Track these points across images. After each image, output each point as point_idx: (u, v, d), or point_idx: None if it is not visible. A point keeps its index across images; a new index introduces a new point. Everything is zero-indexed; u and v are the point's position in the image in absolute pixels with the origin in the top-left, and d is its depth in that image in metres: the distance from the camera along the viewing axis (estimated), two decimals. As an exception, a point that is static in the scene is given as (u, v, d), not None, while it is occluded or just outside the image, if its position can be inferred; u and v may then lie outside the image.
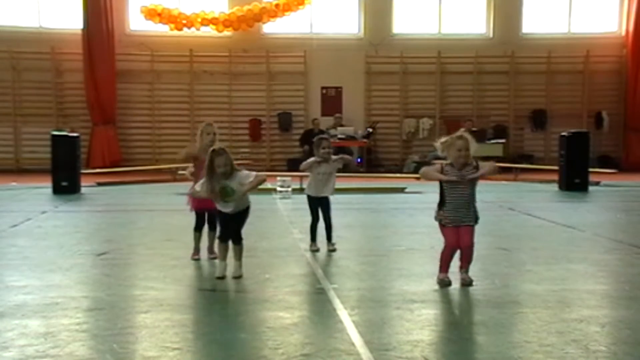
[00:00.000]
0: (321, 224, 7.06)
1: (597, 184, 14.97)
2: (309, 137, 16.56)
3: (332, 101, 21.25)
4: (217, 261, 6.05)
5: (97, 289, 5.48)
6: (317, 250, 6.97)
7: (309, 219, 7.09)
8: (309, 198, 7.06)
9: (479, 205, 5.55)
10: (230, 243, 5.86)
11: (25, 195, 13.05)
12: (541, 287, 5.49)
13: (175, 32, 20.30)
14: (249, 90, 20.82)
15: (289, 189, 12.85)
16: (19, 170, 19.84)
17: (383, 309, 4.85)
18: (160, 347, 3.96)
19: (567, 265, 6.38)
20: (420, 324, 4.44)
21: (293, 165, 16.70)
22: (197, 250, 6.64)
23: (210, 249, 6.61)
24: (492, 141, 19.62)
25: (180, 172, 6.69)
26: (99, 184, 15.16)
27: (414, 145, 21.28)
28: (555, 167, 15.11)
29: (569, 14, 21.69)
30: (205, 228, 6.61)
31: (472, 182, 5.40)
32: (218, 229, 6.06)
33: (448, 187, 5.41)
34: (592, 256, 6.87)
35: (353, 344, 3.98)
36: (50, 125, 18.88)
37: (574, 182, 13.97)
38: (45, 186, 13.61)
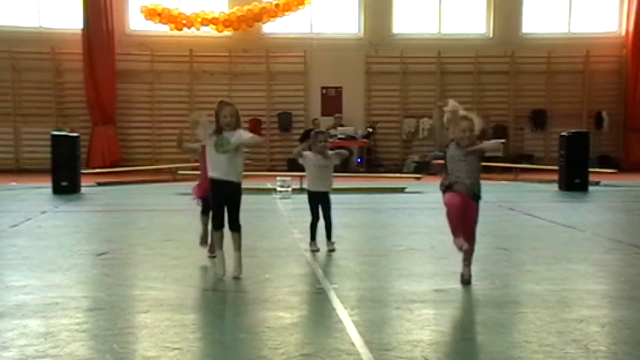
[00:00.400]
0: (321, 223, 7.05)
1: (597, 184, 14.97)
2: (309, 137, 16.56)
3: (332, 101, 21.25)
4: (216, 260, 6.00)
5: (97, 289, 5.48)
6: (317, 250, 6.96)
7: (309, 218, 7.09)
8: (309, 195, 7.06)
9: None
10: (228, 232, 5.83)
11: (25, 195, 13.05)
12: (541, 287, 5.50)
13: (175, 32, 20.30)
14: (249, 90, 20.81)
15: (289, 189, 12.85)
16: (19, 170, 19.83)
17: (383, 309, 4.85)
18: (160, 347, 3.96)
19: (567, 265, 6.38)
20: (420, 324, 4.44)
21: (293, 165, 16.69)
22: (206, 237, 6.61)
23: (211, 247, 6.59)
24: (492, 141, 19.59)
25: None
26: (99, 184, 15.16)
27: (414, 145, 21.28)
28: (555, 167, 15.10)
29: (569, 14, 21.69)
30: (209, 226, 6.56)
31: (474, 158, 5.40)
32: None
33: (450, 163, 5.43)
34: (592, 256, 6.87)
35: (353, 344, 3.98)
36: (50, 125, 18.87)
37: (574, 182, 13.96)
38: (45, 186, 13.61)
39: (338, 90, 21.35)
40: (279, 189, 12.83)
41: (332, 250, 6.96)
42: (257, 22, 20.29)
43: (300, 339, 4.17)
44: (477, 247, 5.57)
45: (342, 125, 20.20)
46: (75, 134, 14.10)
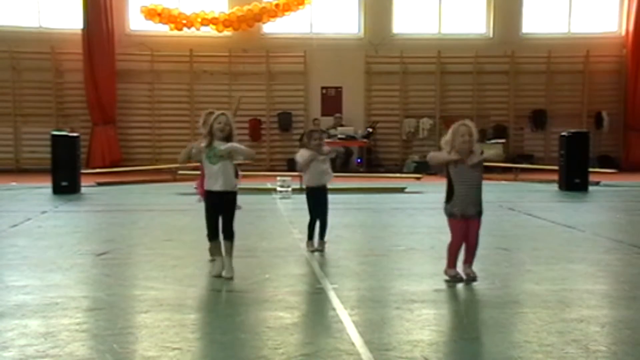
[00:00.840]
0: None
1: (597, 184, 14.97)
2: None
3: (332, 101, 21.25)
4: (218, 269, 5.96)
5: (97, 289, 5.48)
6: (314, 250, 6.97)
7: (309, 218, 7.08)
8: (308, 191, 7.05)
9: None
10: (221, 240, 5.82)
11: (25, 195, 13.05)
12: (541, 287, 5.49)
13: (175, 32, 20.31)
14: (249, 90, 20.81)
15: (289, 189, 12.85)
16: (19, 170, 19.84)
17: (383, 309, 4.85)
18: (160, 347, 3.96)
19: (567, 265, 6.38)
20: (420, 324, 4.44)
21: (293, 165, 16.70)
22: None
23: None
24: (492, 141, 19.60)
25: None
26: (99, 184, 15.16)
27: (414, 145, 21.28)
28: (555, 167, 15.10)
29: (569, 14, 21.70)
30: (220, 239, 6.50)
31: (478, 172, 5.45)
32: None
33: (455, 175, 5.45)
34: (592, 256, 6.87)
35: (353, 344, 3.98)
36: (50, 125, 18.88)
37: (574, 182, 13.96)
38: (45, 186, 13.60)
39: (338, 90, 21.36)
40: (279, 189, 12.82)
41: (321, 250, 6.96)
42: (257, 22, 20.30)
43: (300, 339, 4.17)
44: (465, 274, 5.57)
45: (342, 125, 20.22)
46: (75, 134, 14.10)
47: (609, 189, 14.51)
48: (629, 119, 21.37)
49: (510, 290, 5.45)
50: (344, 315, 4.60)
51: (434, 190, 13.59)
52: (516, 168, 17.67)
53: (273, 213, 10.47)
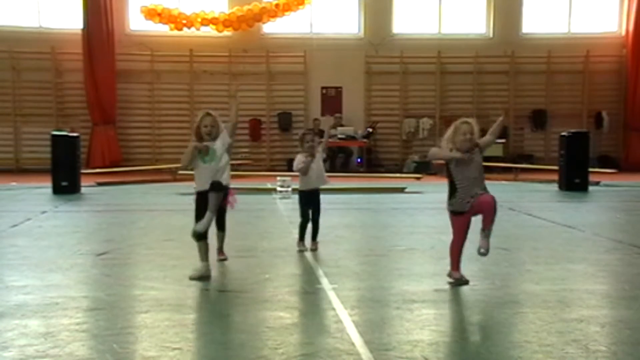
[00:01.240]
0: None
1: (597, 184, 14.97)
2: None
3: (332, 101, 21.25)
4: (209, 262, 5.98)
5: (97, 289, 5.48)
6: (305, 250, 6.98)
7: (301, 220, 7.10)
8: (301, 194, 7.08)
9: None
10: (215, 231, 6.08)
11: (25, 195, 13.05)
12: (541, 287, 5.49)
13: (175, 32, 20.31)
14: (249, 90, 20.80)
15: (289, 189, 12.84)
16: (19, 170, 19.85)
17: (383, 309, 4.84)
18: (160, 347, 3.96)
19: (567, 265, 6.38)
20: (420, 324, 4.44)
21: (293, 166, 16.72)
22: (221, 247, 6.62)
23: (220, 250, 6.58)
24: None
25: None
26: (99, 184, 15.16)
27: (414, 145, 21.27)
28: (555, 167, 15.10)
29: (569, 14, 21.70)
30: (214, 229, 6.50)
31: (479, 166, 5.45)
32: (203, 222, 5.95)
33: (456, 172, 5.43)
34: (592, 256, 6.87)
35: (353, 344, 3.98)
36: (50, 125, 18.88)
37: (574, 182, 13.96)
38: (45, 186, 13.61)
39: (338, 90, 21.36)
40: (279, 189, 12.82)
41: (314, 250, 6.97)
42: (257, 22, 20.30)
43: (300, 339, 4.17)
44: (478, 247, 5.56)
45: (342, 125, 20.22)
46: (75, 134, 14.10)
47: (609, 189, 14.51)
48: (629, 119, 21.38)
49: (510, 290, 5.45)
50: (344, 315, 4.60)
51: (434, 190, 13.60)
52: (516, 168, 17.67)
53: (273, 213, 10.47)
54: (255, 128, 20.97)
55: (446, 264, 5.95)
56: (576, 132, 14.79)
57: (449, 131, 5.51)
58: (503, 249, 7.21)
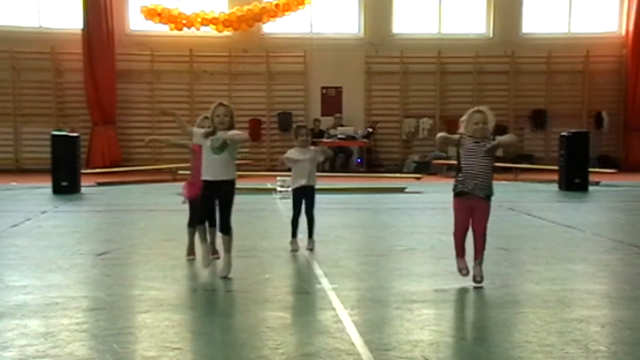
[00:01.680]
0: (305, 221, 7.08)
1: (597, 184, 14.97)
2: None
3: (332, 101, 21.25)
4: (206, 257, 5.99)
5: (97, 289, 5.48)
6: (297, 250, 6.98)
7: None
8: (294, 192, 7.12)
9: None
10: (218, 232, 5.86)
11: (25, 195, 13.05)
12: (541, 287, 5.49)
13: (175, 32, 20.30)
14: (249, 90, 20.82)
15: (289, 189, 12.84)
16: (19, 170, 19.84)
17: (383, 309, 4.84)
18: (160, 347, 3.96)
19: (567, 265, 6.38)
20: (420, 324, 4.44)
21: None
22: (192, 249, 6.60)
23: (212, 249, 6.57)
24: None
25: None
26: (99, 184, 15.16)
27: (414, 145, 21.28)
28: (555, 167, 15.10)
29: (569, 14, 21.69)
30: (206, 225, 6.51)
31: (489, 156, 5.42)
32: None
33: (465, 159, 5.41)
34: (592, 256, 6.87)
35: (353, 344, 3.98)
36: (50, 125, 18.88)
37: (574, 182, 13.96)
38: (45, 186, 13.60)
39: (338, 90, 21.36)
40: (279, 189, 12.82)
41: (310, 249, 6.96)
42: (257, 22, 20.29)
43: (300, 339, 4.17)
44: (473, 275, 5.55)
45: (342, 125, 20.22)
46: (75, 134, 14.10)
47: (609, 189, 14.51)
48: (629, 119, 21.37)
49: (510, 290, 5.45)
50: (344, 315, 4.60)
51: (434, 190, 13.61)
52: (516, 168, 17.66)
53: (273, 213, 10.47)
54: (255, 128, 20.95)
55: (446, 264, 5.97)
56: (576, 132, 14.79)
57: (464, 117, 5.49)
58: (503, 249, 7.21)
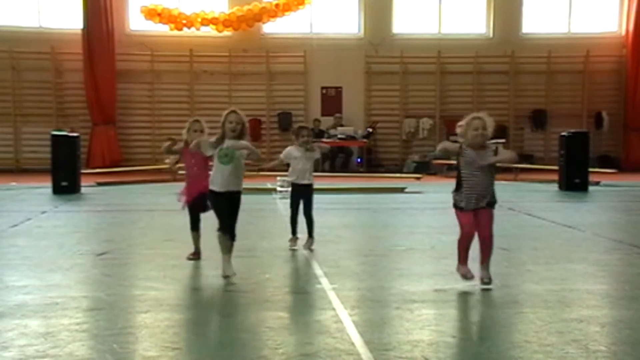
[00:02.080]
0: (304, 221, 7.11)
1: (597, 184, 14.97)
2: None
3: (332, 101, 21.25)
4: (228, 267, 5.96)
5: (97, 289, 5.48)
6: (295, 249, 6.98)
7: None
8: (292, 188, 7.11)
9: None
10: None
11: (25, 195, 13.05)
12: (541, 287, 5.50)
13: (175, 32, 20.31)
14: (249, 90, 20.82)
15: (289, 189, 12.83)
16: (19, 170, 19.84)
17: (383, 309, 4.84)
18: (160, 347, 3.96)
19: (567, 265, 6.38)
20: (420, 324, 4.44)
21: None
22: (198, 252, 6.58)
23: (196, 250, 6.60)
24: (492, 141, 19.56)
25: (166, 161, 6.64)
26: (99, 184, 15.16)
27: (414, 145, 21.27)
28: (555, 167, 15.10)
29: (569, 14, 21.69)
30: (217, 229, 6.47)
31: (490, 168, 5.40)
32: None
33: (465, 171, 5.40)
34: (592, 256, 6.87)
35: (353, 344, 3.98)
36: (50, 125, 18.88)
37: (574, 182, 13.96)
38: (45, 186, 13.60)
39: (338, 90, 21.36)
40: (279, 189, 12.81)
41: (309, 248, 6.97)
42: (257, 22, 20.29)
43: (300, 339, 4.17)
44: (478, 247, 5.55)
45: (342, 125, 20.22)
46: (75, 134, 14.11)
47: (609, 189, 14.51)
48: (629, 119, 21.37)
49: (510, 290, 5.45)
50: (344, 315, 4.60)
51: (434, 190, 13.60)
52: (516, 168, 17.64)
53: (273, 213, 10.46)
54: (255, 128, 20.92)
55: (446, 264, 5.96)
56: (576, 132, 14.79)
57: (462, 124, 5.49)
58: (503, 249, 7.20)
